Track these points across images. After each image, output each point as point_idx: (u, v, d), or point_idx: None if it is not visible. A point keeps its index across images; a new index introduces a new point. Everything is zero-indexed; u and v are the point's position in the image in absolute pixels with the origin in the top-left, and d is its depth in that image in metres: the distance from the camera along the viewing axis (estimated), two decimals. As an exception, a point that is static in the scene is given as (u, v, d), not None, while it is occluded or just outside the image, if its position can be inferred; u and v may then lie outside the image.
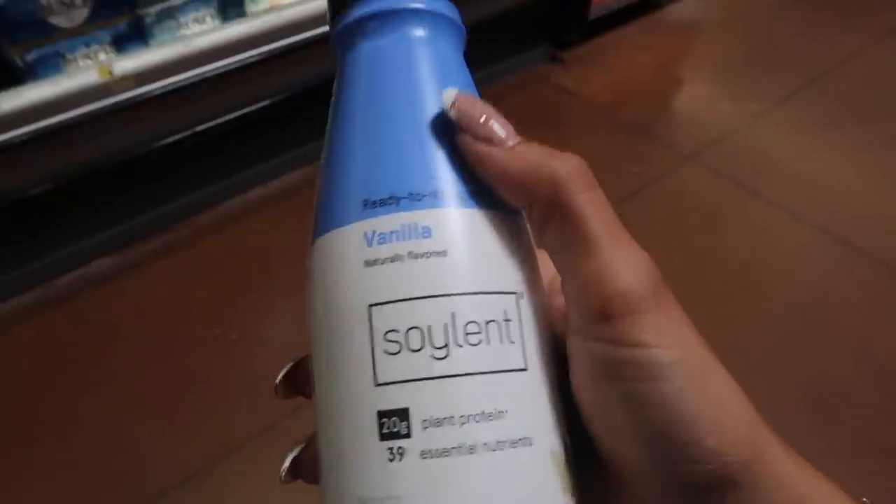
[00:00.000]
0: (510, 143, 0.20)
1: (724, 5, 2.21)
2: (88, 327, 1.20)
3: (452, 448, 0.18)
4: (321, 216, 0.21)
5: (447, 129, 0.20)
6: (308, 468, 0.23)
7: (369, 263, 0.19)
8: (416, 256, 0.19)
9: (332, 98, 0.23)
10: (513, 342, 0.19)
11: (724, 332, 1.19)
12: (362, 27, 0.22)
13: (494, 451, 0.18)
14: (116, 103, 1.15)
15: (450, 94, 0.20)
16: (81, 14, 1.06)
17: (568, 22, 1.90)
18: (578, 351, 0.19)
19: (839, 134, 1.64)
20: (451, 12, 0.22)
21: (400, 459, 0.18)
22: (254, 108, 1.34)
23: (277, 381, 0.25)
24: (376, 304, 0.19)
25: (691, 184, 1.52)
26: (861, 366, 1.15)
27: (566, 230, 0.19)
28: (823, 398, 1.09)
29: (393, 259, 0.19)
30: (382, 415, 0.18)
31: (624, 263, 0.19)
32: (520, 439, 0.18)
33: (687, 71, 1.98)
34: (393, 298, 0.19)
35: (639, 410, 0.18)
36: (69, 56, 1.08)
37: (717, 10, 2.21)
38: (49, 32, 1.05)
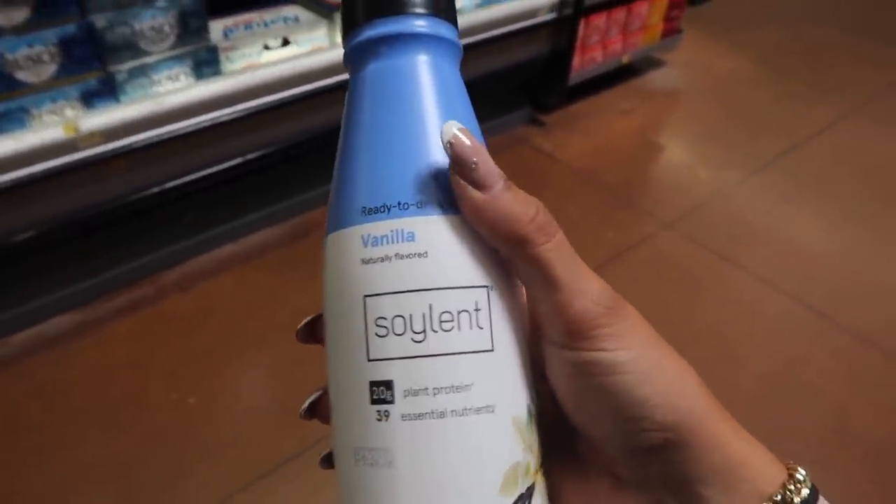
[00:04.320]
0: (492, 192, 0.23)
1: (703, 74, 2.26)
2: (39, 389, 1.15)
3: (426, 413, 0.22)
4: (332, 216, 0.25)
5: (434, 149, 0.24)
6: (322, 413, 0.28)
7: (365, 261, 0.23)
8: (402, 257, 0.23)
9: (344, 110, 0.26)
10: (481, 328, 0.23)
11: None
12: (371, 48, 0.25)
13: (461, 416, 0.22)
14: (83, 159, 1.12)
15: (449, 129, 0.23)
16: (49, 70, 1.05)
17: (549, 86, 1.92)
18: (554, 356, 0.24)
19: (814, 204, 1.65)
20: (451, 34, 0.25)
21: (386, 420, 0.23)
22: (226, 165, 1.33)
23: (300, 326, 0.29)
24: (370, 296, 0.23)
25: (668, 252, 1.51)
26: (837, 443, 1.12)
27: (533, 272, 0.23)
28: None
29: (383, 259, 0.23)
30: (373, 384, 0.23)
31: (580, 293, 0.23)
32: (483, 407, 0.23)
33: (666, 137, 2.00)
34: (382, 291, 0.23)
35: (605, 398, 0.23)
36: (34, 111, 1.06)
37: (696, 79, 2.25)
38: (14, 87, 1.03)
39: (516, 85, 1.90)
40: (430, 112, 0.24)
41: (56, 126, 1.07)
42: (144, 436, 1.08)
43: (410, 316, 0.23)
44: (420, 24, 0.24)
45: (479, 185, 0.23)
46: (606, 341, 0.23)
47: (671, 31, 2.12)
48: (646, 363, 0.23)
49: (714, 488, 0.23)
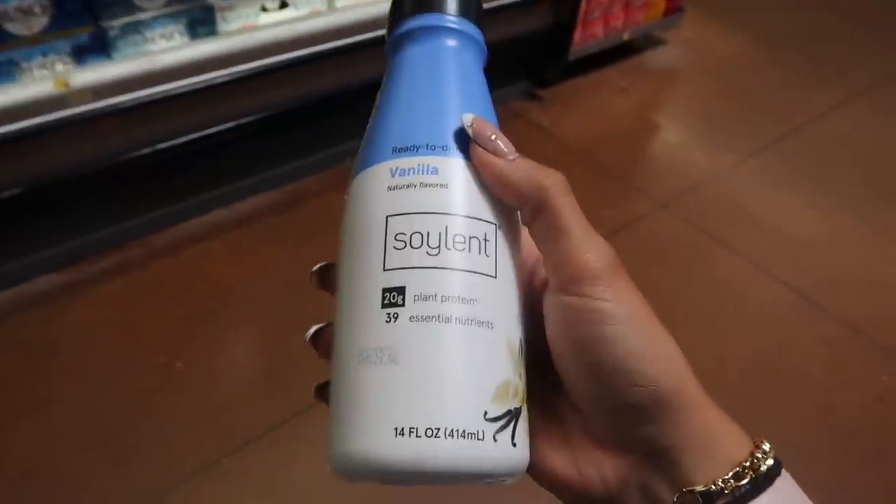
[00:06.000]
0: (510, 157, 0.27)
1: (702, 55, 2.24)
2: (23, 349, 1.13)
3: (433, 316, 0.25)
4: (362, 159, 0.29)
5: (459, 110, 0.28)
6: (322, 346, 0.29)
7: (391, 188, 0.27)
8: (425, 186, 0.26)
9: (382, 82, 0.31)
10: (488, 256, 0.26)
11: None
12: (413, 34, 0.30)
13: (464, 324, 0.25)
14: (73, 116, 1.10)
15: (468, 116, 0.28)
16: (40, 23, 1.02)
17: (548, 60, 1.90)
18: (555, 304, 0.26)
19: (808, 191, 1.65)
20: (478, 35, 0.31)
21: (395, 321, 0.25)
22: (219, 129, 1.31)
23: (314, 269, 0.31)
24: (392, 215, 0.26)
25: (661, 232, 1.51)
26: (821, 427, 1.13)
27: (549, 222, 0.26)
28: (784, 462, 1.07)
29: (408, 186, 0.26)
30: (385, 290, 0.25)
31: (590, 247, 0.26)
32: (484, 321, 0.25)
33: (663, 117, 1.99)
34: (404, 211, 0.26)
35: (599, 346, 0.25)
36: (24, 65, 1.03)
37: (695, 59, 2.23)
38: (4, 40, 1.00)
39: (515, 58, 1.87)
40: (457, 82, 0.29)
41: (46, 81, 1.05)
42: (130, 399, 1.08)
43: (428, 233, 0.26)
44: (452, 21, 0.30)
45: (499, 153, 0.27)
46: (606, 292, 0.25)
47: (673, 9, 2.09)
48: (640, 321, 0.25)
49: (691, 453, 0.25)
